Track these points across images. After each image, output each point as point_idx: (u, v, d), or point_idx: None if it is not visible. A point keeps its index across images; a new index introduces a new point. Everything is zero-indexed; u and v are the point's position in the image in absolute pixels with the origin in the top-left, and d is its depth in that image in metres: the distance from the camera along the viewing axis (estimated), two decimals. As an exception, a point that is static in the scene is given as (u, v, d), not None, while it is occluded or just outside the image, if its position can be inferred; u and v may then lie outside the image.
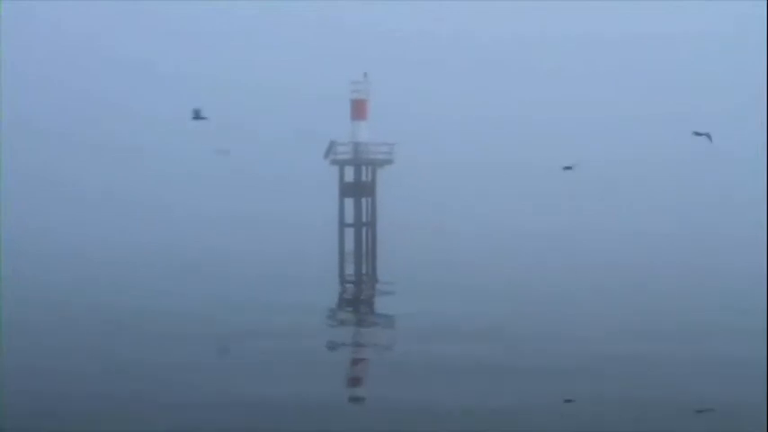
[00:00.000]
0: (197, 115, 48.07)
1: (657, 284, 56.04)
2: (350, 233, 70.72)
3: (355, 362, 27.16)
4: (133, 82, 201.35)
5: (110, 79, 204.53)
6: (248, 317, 37.55)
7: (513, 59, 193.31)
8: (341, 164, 70.65)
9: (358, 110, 70.24)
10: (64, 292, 49.51)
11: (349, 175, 70.66)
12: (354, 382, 23.74)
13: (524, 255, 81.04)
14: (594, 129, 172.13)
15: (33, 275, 60.93)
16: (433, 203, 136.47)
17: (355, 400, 22.24)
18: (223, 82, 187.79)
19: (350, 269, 63.17)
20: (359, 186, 70.33)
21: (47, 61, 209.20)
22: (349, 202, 70.64)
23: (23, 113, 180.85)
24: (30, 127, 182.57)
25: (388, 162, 70.61)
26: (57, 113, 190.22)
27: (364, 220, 70.72)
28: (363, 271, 63.14)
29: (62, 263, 73.86)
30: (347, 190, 70.47)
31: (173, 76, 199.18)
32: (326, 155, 70.55)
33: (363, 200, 70.53)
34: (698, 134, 40.70)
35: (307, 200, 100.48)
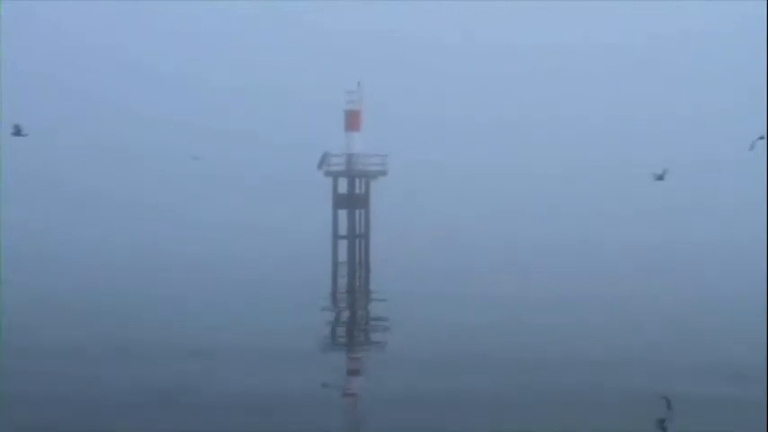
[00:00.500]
0: (17, 132, 47.57)
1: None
2: (343, 245, 70.60)
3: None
4: (133, 82, 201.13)
5: (110, 79, 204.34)
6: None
7: (510, 63, 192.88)
8: (334, 175, 70.46)
9: (351, 121, 69.99)
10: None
11: (342, 186, 70.50)
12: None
13: (524, 265, 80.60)
14: (596, 131, 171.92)
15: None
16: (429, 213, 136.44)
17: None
18: (218, 85, 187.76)
19: (342, 282, 62.96)
20: (352, 198, 70.12)
21: (47, 61, 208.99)
22: (342, 214, 70.46)
23: (23, 113, 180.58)
24: (29, 127, 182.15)
25: (382, 173, 70.41)
26: (57, 113, 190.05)
27: (358, 231, 70.54)
28: (357, 283, 62.97)
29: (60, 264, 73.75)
30: (341, 201, 70.30)
31: (172, 76, 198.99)
32: (320, 166, 70.36)
33: (357, 211, 70.36)
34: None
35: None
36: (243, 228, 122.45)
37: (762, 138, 37.93)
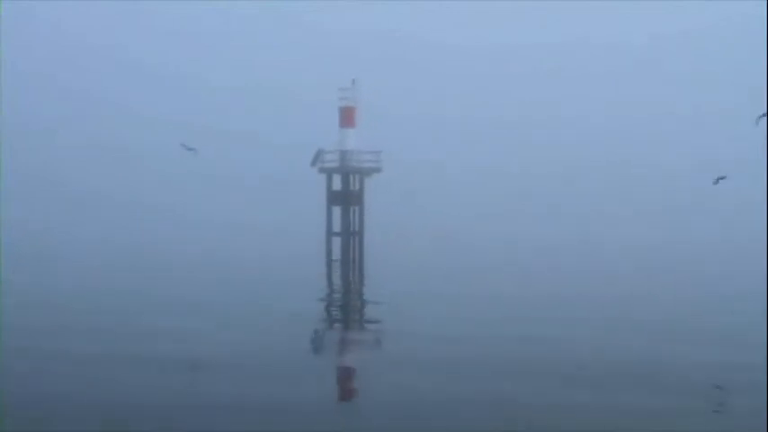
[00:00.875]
0: None
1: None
2: (337, 242, 70.37)
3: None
4: (133, 82, 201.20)
5: (110, 79, 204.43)
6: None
7: (509, 63, 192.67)
8: (328, 172, 70.19)
9: (346, 117, 69.78)
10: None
11: (337, 183, 70.25)
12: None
13: (521, 264, 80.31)
14: (596, 131, 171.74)
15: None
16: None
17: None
18: (218, 85, 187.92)
19: (336, 279, 62.46)
20: (347, 195, 69.88)
21: (47, 61, 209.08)
22: (336, 211, 70.21)
23: (23, 113, 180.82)
24: (30, 127, 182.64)
25: (377, 170, 70.10)
26: (57, 113, 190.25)
27: (352, 229, 70.28)
28: (350, 281, 62.40)
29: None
30: (335, 198, 70.04)
31: (172, 76, 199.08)
32: (313, 163, 70.12)
33: (351, 209, 70.12)
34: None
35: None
36: (237, 224, 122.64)
37: (763, 115, 36.85)
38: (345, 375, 28.46)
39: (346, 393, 25.70)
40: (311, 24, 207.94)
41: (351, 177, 70.03)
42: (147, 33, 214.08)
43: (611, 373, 27.12)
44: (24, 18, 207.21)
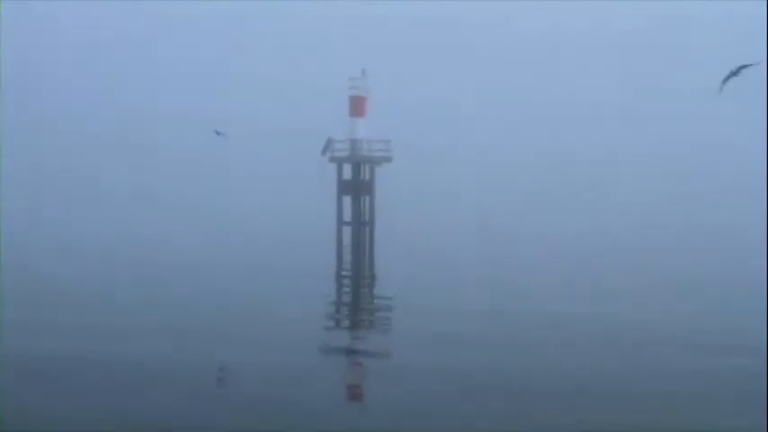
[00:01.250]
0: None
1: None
2: (348, 231, 70.38)
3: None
4: (133, 81, 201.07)
5: (110, 79, 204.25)
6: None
7: (519, 51, 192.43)
8: (339, 161, 70.24)
9: (356, 107, 69.86)
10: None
11: (347, 172, 70.28)
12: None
13: (525, 254, 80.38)
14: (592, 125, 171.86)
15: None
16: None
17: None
18: (222, 77, 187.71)
19: (347, 268, 62.50)
20: (357, 184, 69.94)
21: (47, 61, 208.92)
22: (347, 200, 70.26)
23: (23, 113, 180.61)
24: (30, 127, 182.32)
25: (387, 159, 70.12)
26: (57, 113, 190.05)
27: (362, 218, 70.32)
28: (360, 271, 62.45)
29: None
30: (345, 188, 70.09)
31: (173, 75, 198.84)
32: (324, 152, 70.17)
33: (362, 198, 70.18)
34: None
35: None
36: (245, 214, 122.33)
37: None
38: (353, 374, 28.18)
39: (354, 393, 25.43)
40: (320, 14, 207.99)
41: (361, 167, 70.11)
42: (148, 31, 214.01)
43: (612, 370, 27.09)
44: (24, 18, 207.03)
